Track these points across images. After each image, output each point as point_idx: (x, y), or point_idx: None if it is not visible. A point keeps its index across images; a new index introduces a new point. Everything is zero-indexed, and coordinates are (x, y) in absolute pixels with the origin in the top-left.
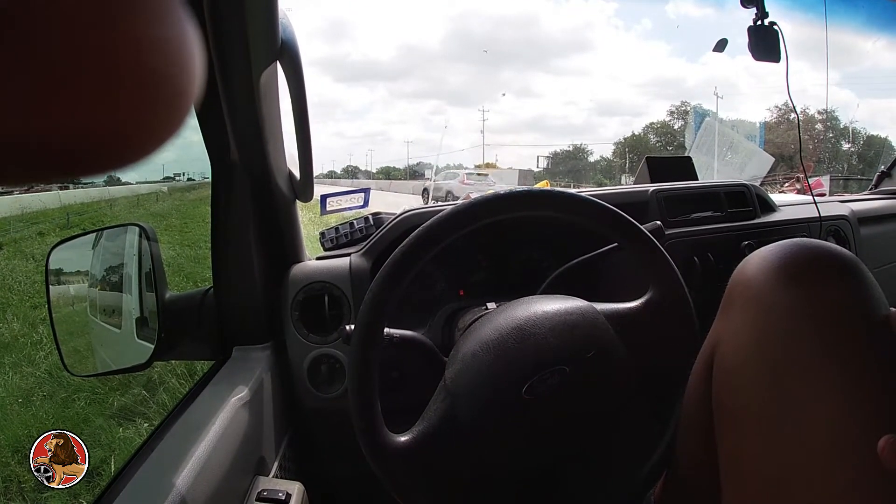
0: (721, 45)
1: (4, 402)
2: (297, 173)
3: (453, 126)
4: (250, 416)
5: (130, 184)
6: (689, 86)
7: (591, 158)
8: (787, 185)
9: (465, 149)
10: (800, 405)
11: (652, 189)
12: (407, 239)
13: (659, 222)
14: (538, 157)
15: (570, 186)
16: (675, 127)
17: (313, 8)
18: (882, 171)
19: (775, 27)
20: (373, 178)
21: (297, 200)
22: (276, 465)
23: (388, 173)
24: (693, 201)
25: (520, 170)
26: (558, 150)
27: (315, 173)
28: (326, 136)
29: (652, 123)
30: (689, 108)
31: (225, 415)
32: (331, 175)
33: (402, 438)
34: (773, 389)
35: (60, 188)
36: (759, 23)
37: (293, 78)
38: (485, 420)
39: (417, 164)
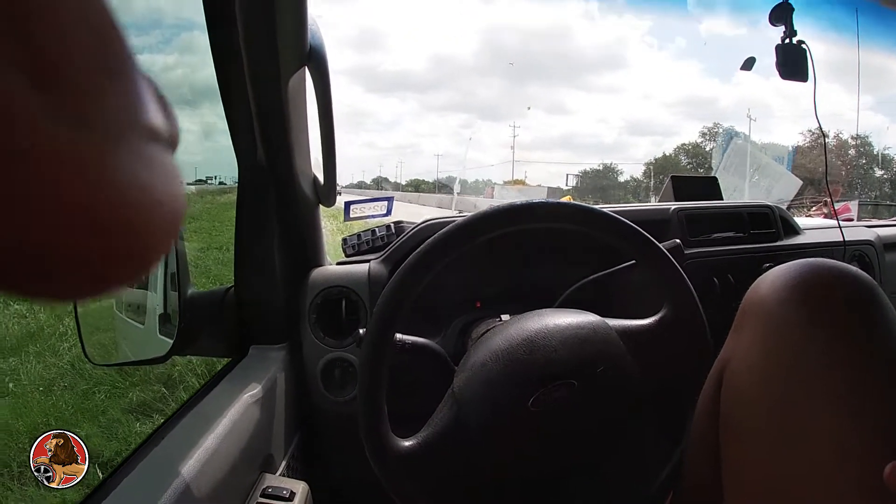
0: (749, 64)
1: (26, 389)
2: (321, 178)
3: (482, 141)
4: (261, 414)
5: None
6: (721, 106)
7: (621, 178)
8: (814, 209)
9: (494, 164)
10: (806, 423)
11: (674, 207)
12: (421, 246)
13: (678, 241)
14: (567, 175)
15: (598, 205)
16: (707, 149)
17: (346, 17)
18: None
19: (804, 45)
20: (401, 190)
21: (321, 205)
22: (284, 464)
23: (416, 186)
24: (715, 221)
25: (548, 187)
26: (588, 169)
27: (345, 183)
28: (357, 146)
29: (683, 144)
30: (720, 130)
31: (236, 410)
32: (360, 185)
33: (407, 443)
34: (779, 407)
35: None
36: (787, 41)
37: (320, 83)
38: (490, 429)
39: (446, 177)
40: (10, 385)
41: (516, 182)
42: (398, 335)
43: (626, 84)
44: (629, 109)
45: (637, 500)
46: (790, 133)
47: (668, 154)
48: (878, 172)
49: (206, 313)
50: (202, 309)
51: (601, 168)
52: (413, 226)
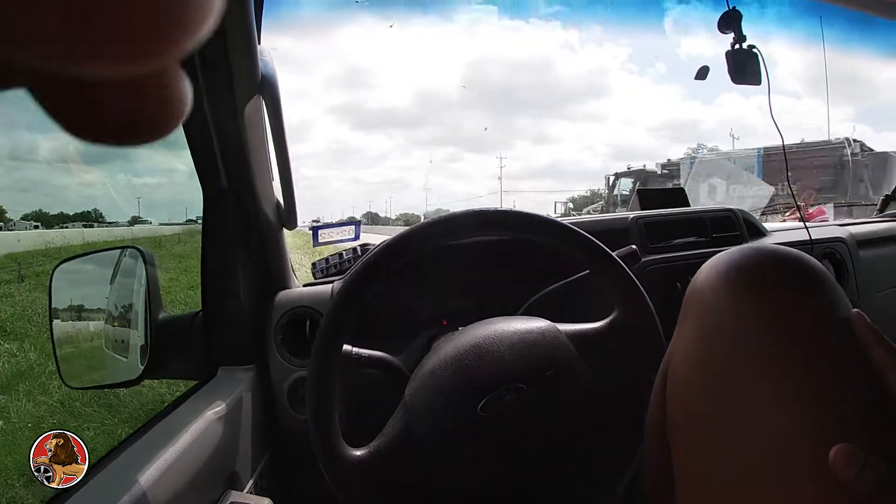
0: (703, 73)
1: (16, 427)
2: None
3: (471, 173)
4: (224, 430)
5: (151, 223)
6: (705, 128)
7: None
8: (788, 213)
9: (483, 195)
10: (748, 412)
11: (633, 216)
12: (360, 259)
13: (633, 246)
14: (556, 202)
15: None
16: (697, 171)
17: (331, 57)
18: (887, 195)
19: (754, 50)
20: (391, 224)
21: (285, 228)
22: (251, 482)
23: (407, 220)
24: (677, 227)
25: None
26: (576, 196)
27: (335, 219)
28: (344, 182)
29: (669, 160)
30: (704, 151)
31: (198, 426)
32: (351, 222)
33: (359, 453)
34: (719, 397)
35: (85, 226)
36: (736, 46)
37: (273, 110)
38: (439, 436)
39: (435, 210)
40: (0, 423)
41: None
42: (354, 349)
43: (609, 111)
44: (613, 135)
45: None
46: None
47: None
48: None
49: (176, 337)
50: (172, 332)
51: (588, 194)
52: (375, 246)
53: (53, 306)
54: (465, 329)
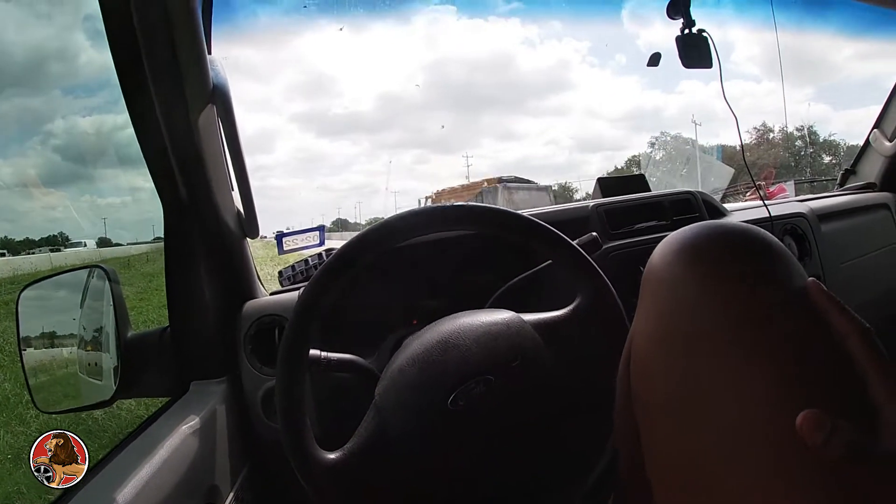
0: (654, 60)
1: None
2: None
3: (438, 173)
4: (200, 444)
5: (122, 244)
6: (667, 115)
7: (578, 196)
8: (749, 193)
9: None
10: (710, 387)
11: (592, 203)
12: (323, 263)
13: (594, 234)
14: None
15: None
16: (658, 157)
17: (290, 65)
18: (846, 170)
19: (704, 34)
20: (361, 230)
21: (248, 238)
22: (231, 494)
23: None
24: (637, 213)
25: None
26: None
27: (304, 227)
28: (313, 191)
29: (634, 156)
30: (667, 138)
31: (173, 441)
32: (315, 227)
33: (332, 456)
34: (681, 374)
35: (52, 250)
36: (686, 31)
37: (226, 119)
38: (412, 433)
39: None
40: None
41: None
42: (323, 353)
43: (573, 104)
44: (578, 128)
45: (576, 497)
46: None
47: (619, 167)
48: (826, 159)
49: (147, 354)
50: (142, 350)
51: (557, 188)
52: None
53: (21, 332)
54: (431, 325)
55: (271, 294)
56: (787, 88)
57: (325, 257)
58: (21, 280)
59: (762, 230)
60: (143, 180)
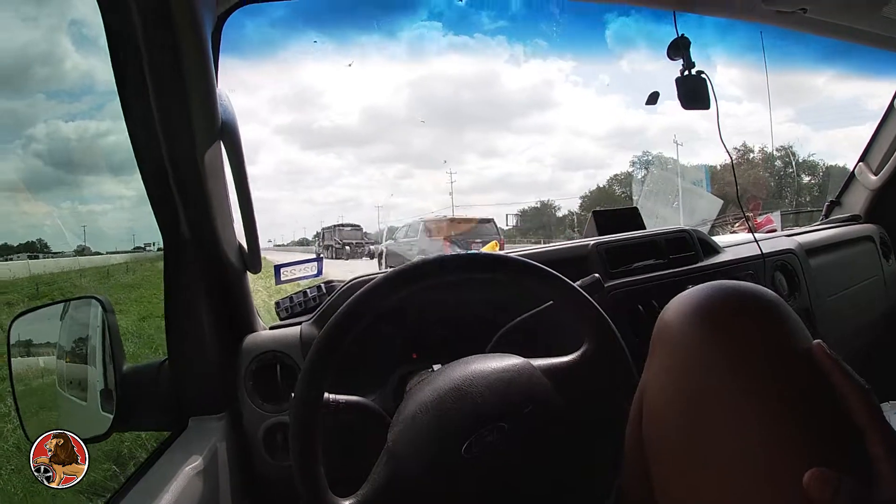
0: (653, 98)
1: None
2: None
3: (422, 188)
4: (205, 485)
5: (101, 254)
6: (649, 135)
7: (560, 213)
8: (737, 224)
9: (435, 210)
10: (720, 439)
11: (592, 242)
12: (340, 308)
13: (597, 275)
14: (507, 215)
15: (539, 243)
16: (639, 177)
17: (278, 76)
18: (831, 201)
19: (703, 76)
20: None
21: (248, 272)
22: None
23: None
24: (635, 251)
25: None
26: (526, 208)
27: (286, 241)
28: (298, 203)
29: (616, 175)
30: (650, 158)
31: (178, 484)
32: (302, 242)
33: (347, 502)
34: (690, 429)
35: (29, 257)
36: (686, 73)
37: (234, 156)
38: (427, 481)
39: (388, 227)
40: None
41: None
42: (331, 395)
43: (556, 122)
44: (561, 147)
45: None
46: (716, 153)
47: (601, 186)
48: (806, 179)
49: (143, 388)
50: (139, 383)
51: (539, 206)
52: (342, 284)
53: (13, 362)
54: (443, 370)
55: (270, 328)
56: (765, 111)
57: (324, 290)
58: None
59: (769, 291)
60: (126, 189)
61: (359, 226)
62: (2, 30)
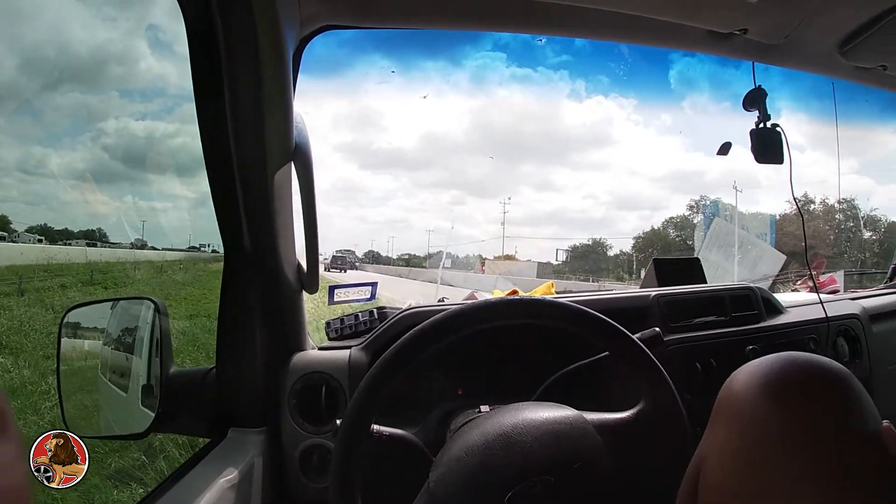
0: (725, 149)
1: None
2: (305, 266)
3: (473, 217)
4: (237, 499)
5: (157, 249)
6: (708, 179)
7: (611, 252)
8: (799, 282)
9: (485, 239)
10: None
11: (654, 294)
12: (398, 341)
13: (657, 329)
14: (557, 250)
15: (588, 280)
16: (695, 221)
17: (341, 98)
18: None
19: (778, 129)
20: (393, 264)
21: (304, 291)
22: None
23: (407, 261)
24: (697, 305)
25: (538, 262)
26: (577, 244)
27: (328, 256)
28: (349, 220)
29: (671, 218)
30: (707, 202)
31: (212, 495)
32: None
33: None
34: (753, 493)
35: (88, 244)
36: (761, 125)
37: (304, 178)
38: None
39: (437, 252)
40: None
41: (507, 257)
42: (376, 427)
43: (613, 160)
44: (616, 185)
45: None
46: (776, 201)
47: (655, 228)
48: (867, 234)
49: (187, 392)
50: (183, 388)
51: (590, 243)
52: (396, 313)
53: (62, 352)
54: (491, 414)
55: (320, 349)
56: (827, 161)
57: (375, 314)
58: (54, 269)
59: (841, 367)
60: (187, 190)
61: (352, 251)
62: (86, 28)
